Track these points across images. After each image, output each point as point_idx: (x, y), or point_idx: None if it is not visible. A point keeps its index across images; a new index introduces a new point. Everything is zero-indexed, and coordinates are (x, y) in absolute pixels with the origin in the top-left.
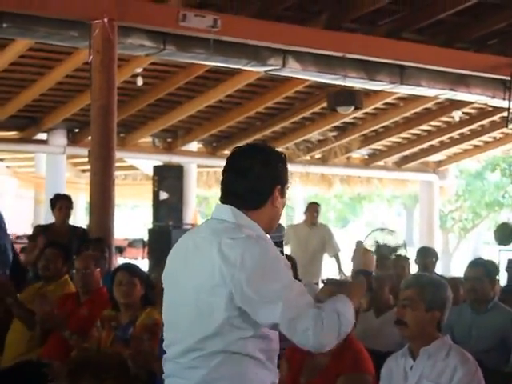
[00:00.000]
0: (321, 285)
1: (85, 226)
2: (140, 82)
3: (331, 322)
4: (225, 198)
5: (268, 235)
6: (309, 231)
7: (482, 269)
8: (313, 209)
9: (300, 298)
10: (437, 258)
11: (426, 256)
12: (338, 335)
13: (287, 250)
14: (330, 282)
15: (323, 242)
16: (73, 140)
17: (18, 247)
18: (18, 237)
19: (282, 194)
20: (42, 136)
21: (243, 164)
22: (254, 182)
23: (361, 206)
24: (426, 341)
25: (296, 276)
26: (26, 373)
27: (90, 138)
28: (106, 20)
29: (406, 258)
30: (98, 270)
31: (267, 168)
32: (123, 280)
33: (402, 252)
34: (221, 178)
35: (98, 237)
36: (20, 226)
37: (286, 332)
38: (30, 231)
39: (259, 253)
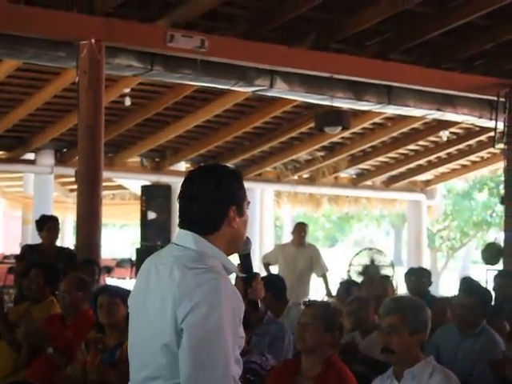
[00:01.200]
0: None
1: (72, 246)
2: (128, 102)
3: None
4: (183, 225)
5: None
6: (296, 251)
7: (477, 299)
8: (300, 229)
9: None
10: (430, 281)
11: (421, 276)
12: None
13: (275, 269)
14: (311, 305)
15: (311, 262)
16: (60, 160)
17: (5, 267)
18: (5, 257)
19: (240, 213)
20: (30, 156)
21: (195, 189)
22: (207, 207)
23: (349, 225)
24: (411, 363)
25: (284, 296)
26: None
27: (77, 157)
28: (93, 40)
29: (389, 278)
30: (81, 293)
31: (219, 190)
32: (104, 302)
33: (389, 271)
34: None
35: (89, 258)
36: (8, 245)
37: None
38: (17, 251)
39: (214, 300)
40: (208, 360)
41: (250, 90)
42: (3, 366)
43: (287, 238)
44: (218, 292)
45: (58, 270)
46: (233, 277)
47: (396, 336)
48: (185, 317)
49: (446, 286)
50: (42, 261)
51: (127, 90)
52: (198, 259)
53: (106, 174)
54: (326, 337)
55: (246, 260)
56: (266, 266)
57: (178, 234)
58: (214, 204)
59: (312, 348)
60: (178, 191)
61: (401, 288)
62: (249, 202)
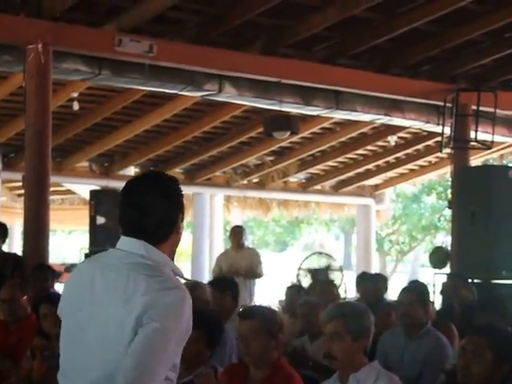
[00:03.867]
0: None
1: (21, 252)
2: (76, 106)
3: None
4: (130, 233)
5: None
6: (236, 255)
7: (415, 294)
8: (236, 232)
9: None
10: (386, 287)
11: (377, 282)
12: None
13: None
14: (245, 316)
15: (251, 265)
16: (8, 164)
17: None
18: None
19: (183, 219)
20: None
21: (146, 200)
22: (160, 217)
23: (299, 229)
24: (355, 368)
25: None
26: None
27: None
28: (40, 45)
29: (333, 283)
30: (25, 298)
31: (169, 199)
32: (47, 312)
33: (338, 275)
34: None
35: (42, 263)
36: None
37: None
38: None
39: (173, 311)
40: (151, 362)
41: (198, 94)
42: None
43: None
44: (182, 303)
45: (2, 275)
46: None
47: (338, 342)
48: (147, 322)
49: (396, 290)
50: None
51: (75, 95)
52: (155, 268)
53: (54, 179)
54: (270, 343)
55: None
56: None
57: (122, 240)
58: (165, 215)
59: (258, 359)
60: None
61: (350, 292)
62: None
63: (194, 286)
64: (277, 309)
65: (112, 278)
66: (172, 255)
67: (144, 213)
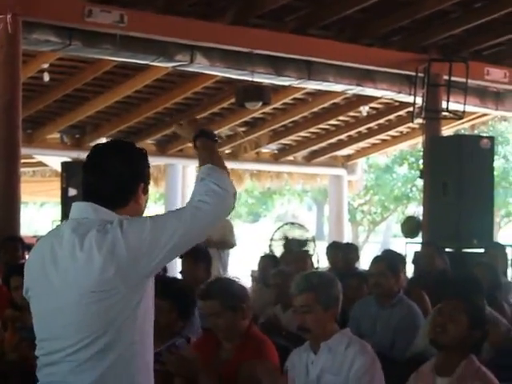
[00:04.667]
0: None
1: None
2: (46, 77)
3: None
4: (88, 198)
5: None
6: None
7: (385, 263)
8: None
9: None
10: (358, 256)
11: (349, 252)
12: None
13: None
14: (204, 297)
15: (224, 236)
16: None
17: None
18: None
19: (145, 191)
20: None
21: (106, 163)
22: (117, 182)
23: (272, 200)
24: (326, 335)
25: (209, 270)
26: None
27: None
28: (9, 15)
29: (307, 253)
30: None
31: (130, 167)
32: (19, 284)
33: (311, 246)
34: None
35: (12, 235)
36: None
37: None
38: None
39: (137, 229)
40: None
41: (170, 65)
42: None
43: None
44: (143, 225)
45: None
46: None
47: (310, 315)
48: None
49: (368, 260)
50: None
51: (46, 66)
52: (101, 224)
53: (24, 151)
54: (236, 317)
55: None
56: None
57: (73, 208)
58: (125, 180)
59: (227, 333)
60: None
61: (323, 263)
62: (150, 183)
63: None
64: (241, 280)
65: (68, 250)
66: None
67: (101, 176)
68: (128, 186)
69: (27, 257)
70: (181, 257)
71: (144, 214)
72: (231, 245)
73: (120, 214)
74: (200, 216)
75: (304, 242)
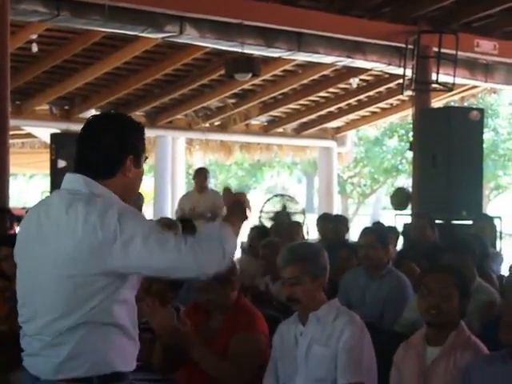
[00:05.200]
0: None
1: None
2: (35, 48)
3: (209, 245)
4: (77, 169)
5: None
6: (198, 197)
7: (375, 235)
8: (200, 174)
9: (166, 236)
10: (348, 227)
11: (338, 223)
12: (221, 256)
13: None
14: None
15: (215, 208)
16: None
17: None
18: None
19: (137, 165)
20: None
21: (96, 134)
22: (104, 152)
23: (261, 172)
24: (315, 306)
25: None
26: None
27: None
28: None
29: (299, 224)
30: None
31: (119, 138)
32: (9, 254)
33: (300, 218)
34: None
35: (0, 206)
36: None
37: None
38: None
39: (118, 212)
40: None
41: (159, 36)
42: None
43: None
44: (124, 211)
45: None
46: None
47: (299, 286)
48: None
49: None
50: None
51: (34, 37)
52: (91, 199)
53: (13, 122)
54: (225, 291)
55: None
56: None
57: (65, 178)
58: (112, 150)
59: (217, 306)
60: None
61: (312, 235)
62: (146, 157)
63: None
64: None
65: (54, 216)
66: (122, 198)
67: (90, 147)
68: (115, 157)
69: (17, 228)
70: None
71: (140, 190)
72: (221, 216)
73: (107, 185)
74: (185, 253)
75: (294, 214)
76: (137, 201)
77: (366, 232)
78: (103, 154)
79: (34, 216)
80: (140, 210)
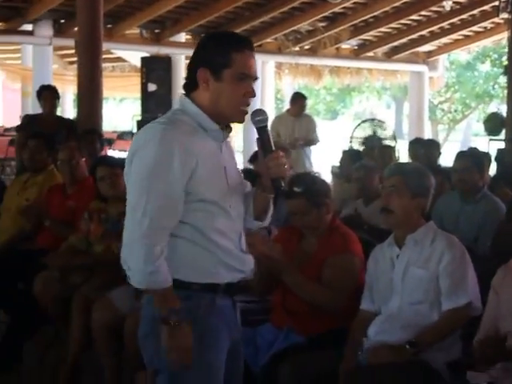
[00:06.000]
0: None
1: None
2: None
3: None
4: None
5: (251, 119)
6: (294, 121)
7: (470, 159)
8: (301, 100)
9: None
10: (439, 152)
11: (431, 148)
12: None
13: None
14: (291, 196)
15: (307, 133)
16: (59, 31)
17: (6, 140)
18: (6, 129)
19: (216, 78)
20: (28, 27)
21: (193, 53)
22: (189, 66)
23: (350, 97)
24: (412, 228)
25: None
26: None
27: (76, 28)
28: None
29: (392, 148)
30: (84, 159)
31: (198, 51)
32: (105, 174)
33: (391, 143)
34: None
35: (91, 128)
36: (8, 118)
37: None
38: (18, 123)
39: (152, 150)
40: (135, 204)
41: None
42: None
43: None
44: (155, 138)
45: (57, 139)
46: None
47: (396, 196)
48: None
49: (447, 159)
50: (41, 130)
51: None
52: (168, 115)
53: (105, 46)
54: (320, 213)
55: (262, 133)
56: None
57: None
58: (190, 63)
59: (313, 228)
60: (178, 63)
61: (402, 159)
62: (243, 73)
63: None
64: (322, 175)
65: None
66: (213, 114)
67: (189, 63)
68: (192, 69)
69: (109, 152)
70: None
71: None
72: (315, 141)
73: (194, 98)
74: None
75: (384, 140)
76: (256, 117)
77: (461, 156)
78: (187, 67)
79: None
80: (265, 126)
